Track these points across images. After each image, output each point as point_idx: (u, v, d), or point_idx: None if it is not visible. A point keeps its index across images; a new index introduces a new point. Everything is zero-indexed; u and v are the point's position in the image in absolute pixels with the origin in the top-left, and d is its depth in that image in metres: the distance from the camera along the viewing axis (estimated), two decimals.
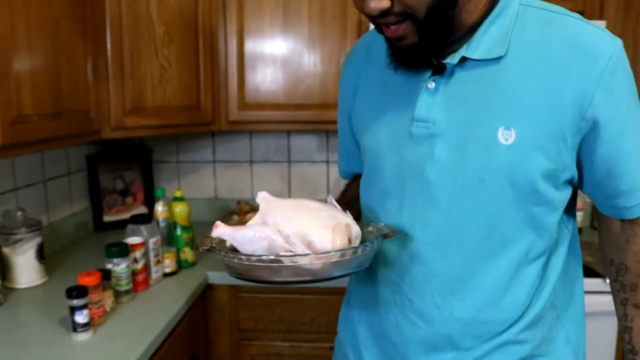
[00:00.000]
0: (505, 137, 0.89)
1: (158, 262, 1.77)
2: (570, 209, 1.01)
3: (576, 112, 0.88)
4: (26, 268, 1.73)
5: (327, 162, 2.49)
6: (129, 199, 2.46)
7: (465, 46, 0.92)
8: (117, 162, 2.43)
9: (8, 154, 1.38)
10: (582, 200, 2.31)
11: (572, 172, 0.93)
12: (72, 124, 1.64)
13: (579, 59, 0.88)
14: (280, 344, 1.94)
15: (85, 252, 2.11)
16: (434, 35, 0.89)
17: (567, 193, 0.96)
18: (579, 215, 2.31)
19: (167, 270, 1.82)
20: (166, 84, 1.96)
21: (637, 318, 1.00)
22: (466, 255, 0.95)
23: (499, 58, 0.91)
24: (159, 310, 1.57)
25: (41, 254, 1.75)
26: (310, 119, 2.09)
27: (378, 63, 1.05)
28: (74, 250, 2.12)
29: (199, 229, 2.03)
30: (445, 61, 0.93)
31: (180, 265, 1.88)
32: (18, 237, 1.69)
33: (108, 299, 1.52)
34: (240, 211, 2.34)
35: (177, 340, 1.59)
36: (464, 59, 0.92)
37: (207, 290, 1.88)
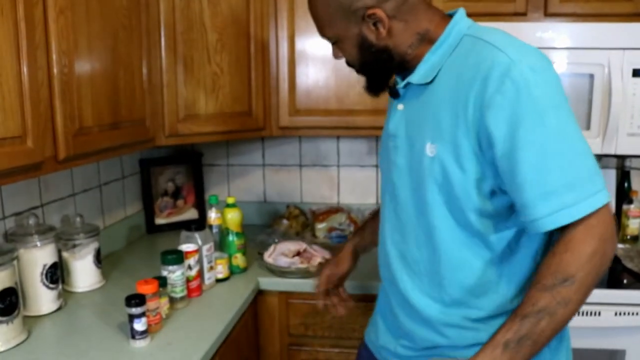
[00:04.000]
0: (430, 150, 1.06)
1: (211, 268, 1.79)
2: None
3: (479, 130, 1.00)
4: (84, 272, 1.77)
5: (377, 166, 2.47)
6: (179, 202, 2.50)
7: (412, 74, 1.12)
8: (169, 165, 2.47)
9: (70, 165, 1.42)
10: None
11: (494, 181, 1.03)
12: (128, 134, 1.68)
13: (477, 83, 0.99)
14: (329, 350, 1.94)
15: (138, 254, 2.16)
16: (373, 77, 1.17)
17: (501, 201, 1.05)
18: (636, 222, 2.24)
19: (220, 276, 1.84)
20: (219, 90, 1.98)
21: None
22: (419, 243, 1.15)
23: (428, 83, 1.09)
24: (213, 316, 1.58)
25: (98, 259, 1.80)
26: (362, 124, 2.08)
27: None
28: (128, 253, 2.17)
29: (248, 233, 2.05)
30: (398, 86, 1.16)
31: (232, 271, 1.90)
32: (77, 242, 1.74)
33: (164, 306, 1.55)
34: (290, 215, 2.34)
35: (230, 346, 1.61)
36: (408, 84, 1.14)
37: (258, 296, 1.89)
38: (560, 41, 1.85)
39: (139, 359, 1.35)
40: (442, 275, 1.12)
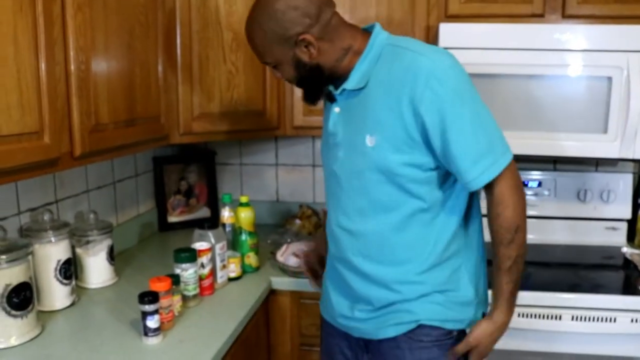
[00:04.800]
0: (370, 141, 1.28)
1: (224, 267, 1.79)
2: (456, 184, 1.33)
3: (413, 119, 1.23)
4: (98, 269, 1.78)
5: None
6: (192, 201, 2.50)
7: (346, 81, 1.32)
8: (182, 163, 2.47)
9: (85, 162, 1.42)
10: None
11: (431, 160, 1.27)
12: (143, 131, 1.68)
13: (408, 81, 1.22)
14: None
15: (151, 252, 2.16)
16: (309, 90, 1.39)
17: (436, 173, 1.30)
18: None
19: (232, 275, 1.84)
20: (233, 89, 1.98)
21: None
22: (364, 219, 1.35)
23: (362, 88, 1.30)
24: (225, 315, 1.58)
25: (111, 256, 1.80)
26: None
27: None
28: (140, 250, 2.18)
29: (261, 233, 2.05)
30: (334, 93, 1.36)
31: (245, 270, 1.90)
32: (90, 238, 1.75)
33: (177, 304, 1.55)
34: (303, 215, 2.34)
35: (242, 345, 1.61)
36: (343, 90, 1.34)
37: (270, 296, 1.89)
38: (578, 43, 1.83)
39: (151, 356, 1.35)
40: (390, 241, 1.34)
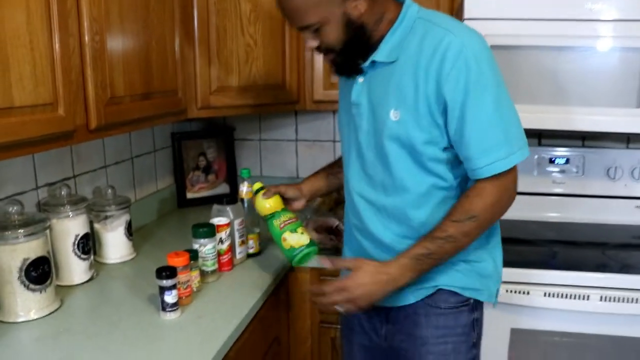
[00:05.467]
0: (394, 115, 1.26)
1: (242, 242, 1.77)
2: None
3: (435, 97, 1.21)
4: (116, 244, 1.77)
5: None
6: (211, 177, 2.48)
7: (375, 52, 1.29)
8: (201, 139, 2.45)
9: (101, 135, 1.40)
10: None
11: (445, 139, 1.26)
12: (161, 104, 1.65)
13: (436, 59, 1.20)
14: None
15: (169, 228, 2.15)
16: (351, 56, 1.31)
17: (453, 153, 1.28)
18: None
19: (251, 251, 1.82)
20: (252, 62, 1.94)
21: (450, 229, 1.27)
22: (385, 192, 1.35)
23: (394, 62, 1.27)
24: (244, 291, 1.57)
25: (129, 231, 1.79)
26: None
27: None
28: (159, 226, 2.17)
29: None
30: (363, 65, 1.31)
31: (263, 246, 1.87)
32: (109, 213, 1.73)
33: (195, 279, 1.53)
34: None
35: (261, 322, 1.59)
36: (373, 62, 1.30)
37: (289, 272, 1.86)
38: (610, 13, 1.75)
39: (169, 331, 1.34)
40: (408, 215, 1.33)
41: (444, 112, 1.23)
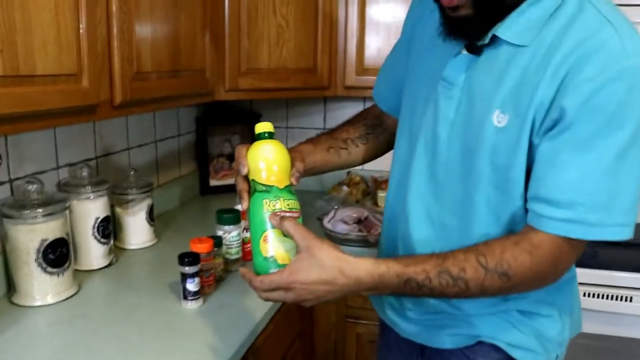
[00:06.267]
0: (499, 119, 0.91)
1: None
2: None
3: (547, 109, 0.86)
4: (137, 229, 1.70)
5: None
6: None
7: (499, 24, 0.90)
8: (226, 125, 2.37)
9: (126, 112, 1.33)
10: None
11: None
12: (188, 84, 1.58)
13: (574, 58, 0.84)
14: None
15: (191, 215, 2.09)
16: (487, 9, 0.89)
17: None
18: None
19: None
20: (283, 45, 1.86)
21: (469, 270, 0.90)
22: (453, 212, 1.00)
23: (523, 46, 0.90)
24: None
25: (151, 216, 1.73)
26: None
27: (434, 20, 1.02)
28: (181, 213, 2.11)
29: (306, 199, 1.95)
30: (479, 42, 0.93)
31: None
32: (130, 197, 1.67)
33: (218, 267, 1.46)
34: (351, 182, 2.22)
35: (286, 315, 1.52)
36: (494, 36, 0.92)
37: None
38: None
39: (190, 320, 1.27)
40: (471, 235, 0.98)
41: (548, 130, 0.87)
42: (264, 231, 0.92)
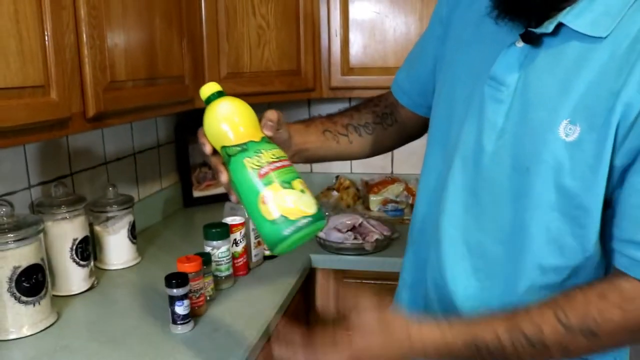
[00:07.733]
0: (567, 132, 0.74)
1: (259, 243, 1.60)
2: None
3: (635, 118, 0.69)
4: (118, 248, 1.60)
5: None
6: None
7: (567, 9, 0.74)
8: None
9: (100, 125, 1.23)
10: None
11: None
12: (167, 91, 1.48)
13: None
14: None
15: (176, 230, 1.99)
16: None
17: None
18: None
19: (267, 252, 1.65)
20: (264, 46, 1.77)
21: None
22: (497, 241, 0.84)
23: (599, 38, 0.73)
24: (262, 299, 1.40)
25: (133, 234, 1.63)
26: None
27: (478, 4, 0.88)
28: (165, 228, 2.00)
29: None
30: (539, 29, 0.76)
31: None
32: (110, 214, 1.57)
33: (208, 287, 1.36)
34: (340, 186, 2.14)
35: None
36: (560, 25, 0.75)
37: (311, 273, 1.69)
38: None
39: (181, 347, 1.17)
40: (517, 286, 0.83)
41: (631, 151, 0.71)
42: (258, 193, 0.78)
